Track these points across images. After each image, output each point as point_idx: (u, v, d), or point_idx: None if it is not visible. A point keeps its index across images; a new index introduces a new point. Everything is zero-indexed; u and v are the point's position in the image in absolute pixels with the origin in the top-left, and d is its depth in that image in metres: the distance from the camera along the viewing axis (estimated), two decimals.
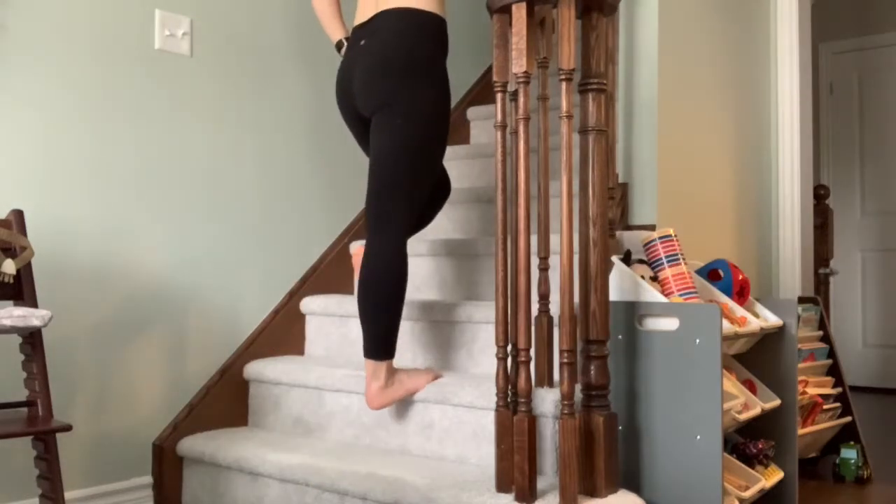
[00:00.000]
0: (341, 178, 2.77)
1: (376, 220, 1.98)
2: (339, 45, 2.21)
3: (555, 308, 2.04)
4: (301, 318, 2.58)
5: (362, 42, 2.04)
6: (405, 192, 1.97)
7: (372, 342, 1.95)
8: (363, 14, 2.08)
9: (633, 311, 1.86)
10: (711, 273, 2.20)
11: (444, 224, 2.83)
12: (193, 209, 2.32)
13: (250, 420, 2.41)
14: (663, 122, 2.48)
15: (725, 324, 1.90)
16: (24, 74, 1.98)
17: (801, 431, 2.49)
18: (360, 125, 2.12)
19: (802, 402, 2.50)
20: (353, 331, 2.46)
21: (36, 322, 1.63)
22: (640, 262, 2.05)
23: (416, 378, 2.02)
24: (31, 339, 1.73)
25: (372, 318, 1.94)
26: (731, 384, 2.02)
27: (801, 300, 2.75)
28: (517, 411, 1.65)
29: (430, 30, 1.99)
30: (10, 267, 1.70)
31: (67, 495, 2.01)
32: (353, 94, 2.06)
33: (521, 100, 1.67)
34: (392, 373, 1.99)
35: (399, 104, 1.95)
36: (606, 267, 1.72)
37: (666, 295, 1.96)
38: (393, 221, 1.97)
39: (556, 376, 1.99)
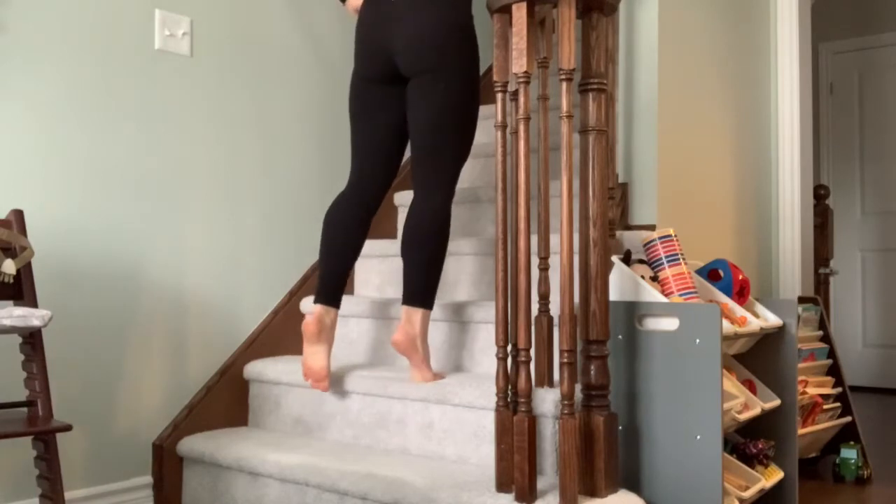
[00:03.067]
0: (341, 177, 2.77)
1: (426, 178, 2.07)
2: None
3: (555, 308, 2.04)
4: (301, 317, 2.58)
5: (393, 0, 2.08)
6: (451, 151, 2.07)
7: (416, 290, 2.03)
8: None
9: (633, 311, 1.86)
10: (711, 273, 2.20)
11: None
12: (193, 209, 2.32)
13: (250, 420, 2.41)
14: (663, 122, 2.48)
15: (725, 324, 1.90)
16: (24, 74, 1.98)
17: (801, 431, 2.49)
18: (385, 84, 2.13)
19: (802, 402, 2.50)
20: (353, 331, 2.46)
21: (36, 322, 1.63)
22: (640, 262, 2.05)
23: (428, 364, 2.07)
24: (31, 339, 1.73)
25: (418, 269, 2.03)
26: (731, 384, 2.02)
27: (801, 300, 2.75)
28: (517, 411, 1.65)
29: None
30: (10, 267, 1.70)
31: (67, 495, 2.01)
32: (390, 51, 2.08)
33: (521, 100, 1.67)
34: (425, 328, 2.05)
35: (444, 70, 2.04)
36: (606, 267, 1.72)
37: (666, 295, 1.96)
38: (442, 180, 2.07)
39: (556, 376, 1.99)
